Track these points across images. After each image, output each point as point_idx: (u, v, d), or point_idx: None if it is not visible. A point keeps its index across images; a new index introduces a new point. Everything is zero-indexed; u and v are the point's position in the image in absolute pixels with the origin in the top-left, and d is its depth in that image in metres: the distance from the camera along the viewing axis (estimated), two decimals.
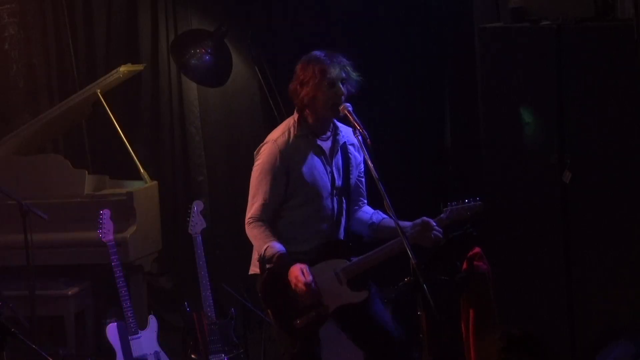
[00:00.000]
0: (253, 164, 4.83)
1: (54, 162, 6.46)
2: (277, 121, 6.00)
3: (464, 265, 5.06)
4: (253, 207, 4.77)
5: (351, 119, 4.62)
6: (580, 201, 5.21)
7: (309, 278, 4.59)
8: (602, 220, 5.17)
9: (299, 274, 4.60)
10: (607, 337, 5.02)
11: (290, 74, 4.85)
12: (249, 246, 5.00)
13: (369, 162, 4.52)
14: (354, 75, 4.72)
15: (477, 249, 5.06)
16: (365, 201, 4.93)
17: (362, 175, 4.89)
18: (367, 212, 4.88)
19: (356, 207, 4.90)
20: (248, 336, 6.09)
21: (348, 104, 4.67)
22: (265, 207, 4.73)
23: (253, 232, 4.75)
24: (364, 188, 4.91)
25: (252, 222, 4.76)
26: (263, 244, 4.70)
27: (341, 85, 4.68)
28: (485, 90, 5.64)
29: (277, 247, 4.67)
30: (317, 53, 4.77)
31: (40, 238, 6.01)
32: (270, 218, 4.75)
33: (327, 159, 4.78)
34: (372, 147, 4.58)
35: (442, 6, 6.33)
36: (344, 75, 4.69)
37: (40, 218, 5.90)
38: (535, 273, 5.41)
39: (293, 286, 4.61)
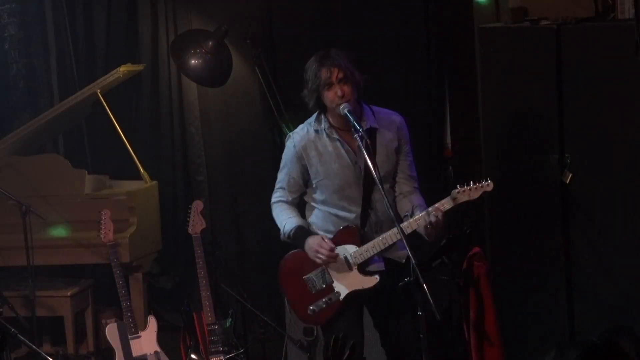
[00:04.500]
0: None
1: (54, 162, 6.46)
2: (277, 121, 6.01)
3: (464, 265, 5.06)
4: (275, 193, 5.04)
5: (351, 119, 4.63)
6: (580, 201, 5.21)
7: (329, 245, 4.76)
8: (602, 220, 5.17)
9: (319, 244, 4.77)
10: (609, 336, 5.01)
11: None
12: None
13: (369, 162, 4.53)
14: (356, 72, 4.73)
15: (477, 249, 5.06)
16: (414, 183, 4.94)
17: (405, 157, 4.91)
18: (412, 202, 4.90)
19: (407, 190, 4.89)
20: (248, 336, 6.09)
21: (346, 104, 4.67)
22: (283, 191, 4.99)
23: (275, 213, 5.02)
24: (407, 169, 4.92)
25: (273, 204, 5.02)
26: (282, 220, 4.94)
27: (341, 85, 4.69)
28: (485, 90, 5.64)
29: (294, 222, 4.89)
30: (315, 56, 4.81)
31: (40, 238, 6.01)
32: (290, 201, 4.99)
33: (348, 151, 4.80)
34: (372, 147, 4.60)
35: (442, 7, 6.33)
36: (340, 75, 4.70)
37: (40, 218, 5.90)
38: (535, 273, 5.41)
39: (312, 257, 4.78)
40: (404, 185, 4.89)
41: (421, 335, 4.40)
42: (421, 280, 4.26)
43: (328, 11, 6.57)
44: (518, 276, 5.46)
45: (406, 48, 6.45)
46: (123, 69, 6.42)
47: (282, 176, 5.01)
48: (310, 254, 4.79)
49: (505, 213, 5.51)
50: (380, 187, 4.53)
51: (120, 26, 7.05)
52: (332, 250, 4.75)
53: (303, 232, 4.86)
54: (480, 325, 5.02)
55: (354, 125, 4.61)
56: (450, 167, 6.34)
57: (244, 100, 6.87)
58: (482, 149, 5.71)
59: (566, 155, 5.21)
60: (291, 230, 4.87)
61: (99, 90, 6.37)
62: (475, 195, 4.72)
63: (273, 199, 5.04)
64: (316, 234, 4.86)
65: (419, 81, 6.45)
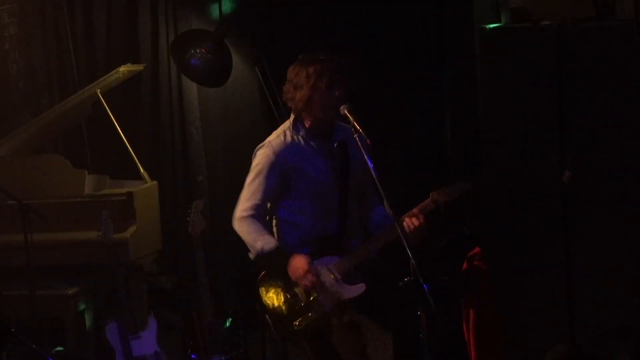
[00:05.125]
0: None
1: (54, 162, 6.45)
2: (277, 121, 6.00)
3: (464, 265, 5.06)
4: (245, 205, 4.82)
5: (351, 119, 4.61)
6: (580, 201, 5.22)
7: (313, 278, 4.63)
8: (602, 220, 5.17)
9: (305, 268, 4.63)
10: (607, 337, 5.02)
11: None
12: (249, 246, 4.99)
13: (369, 162, 4.52)
14: (351, 74, 4.71)
15: (477, 249, 5.06)
16: (375, 197, 4.89)
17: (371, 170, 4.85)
18: (378, 213, 4.85)
19: (370, 204, 4.86)
20: (248, 336, 6.09)
21: (346, 104, 4.66)
22: (256, 207, 4.80)
23: (245, 228, 4.80)
24: (371, 184, 4.86)
25: (243, 218, 4.80)
26: (258, 237, 4.75)
27: (339, 86, 4.67)
28: (485, 90, 5.64)
29: (273, 241, 4.73)
30: (311, 54, 4.77)
31: (40, 238, 6.00)
32: (261, 217, 4.81)
33: (326, 158, 4.78)
34: (372, 147, 4.58)
35: (442, 6, 6.33)
36: (340, 75, 4.68)
37: (40, 218, 5.89)
38: (535, 273, 5.41)
39: (295, 278, 4.63)
40: (371, 198, 4.85)
41: (421, 335, 4.39)
42: (421, 280, 4.26)
43: (328, 11, 6.57)
44: (518, 276, 5.46)
45: (406, 48, 6.45)
46: (123, 69, 6.42)
47: (255, 187, 4.81)
48: (295, 275, 4.68)
49: (506, 213, 5.51)
50: (380, 188, 4.48)
51: (120, 26, 7.05)
52: (317, 278, 4.66)
53: (284, 252, 4.72)
54: (480, 325, 5.02)
55: (354, 125, 4.59)
56: (451, 167, 6.34)
57: (244, 100, 6.87)
58: (482, 149, 5.71)
59: (566, 155, 5.22)
60: (271, 249, 4.72)
61: (99, 90, 6.37)
62: (455, 194, 4.68)
63: (241, 213, 4.81)
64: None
65: (419, 81, 6.45)
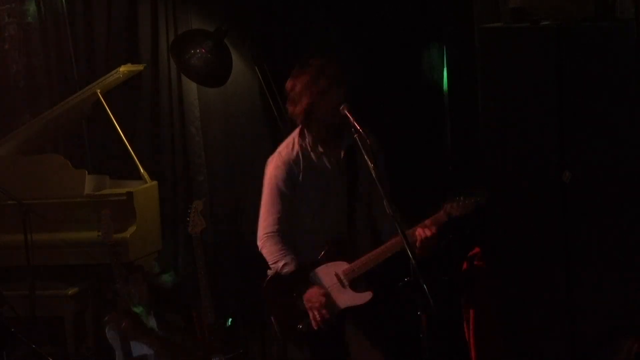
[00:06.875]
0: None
1: (54, 162, 6.46)
2: (278, 121, 6.02)
3: (464, 265, 5.06)
4: (266, 222, 4.80)
5: (351, 118, 4.61)
6: (580, 201, 5.21)
7: (327, 316, 4.63)
8: (602, 220, 5.17)
9: (321, 303, 4.62)
10: (607, 337, 5.02)
11: (290, 74, 4.86)
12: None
13: (368, 162, 4.51)
14: (345, 70, 4.71)
15: (477, 249, 5.07)
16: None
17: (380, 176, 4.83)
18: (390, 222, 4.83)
19: (381, 212, 4.84)
20: (248, 336, 6.09)
21: (345, 104, 4.65)
22: (280, 220, 4.77)
23: (268, 248, 4.78)
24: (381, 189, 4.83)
25: (267, 237, 4.78)
26: (280, 257, 4.74)
27: (336, 88, 4.67)
28: (485, 90, 5.64)
29: (293, 264, 4.72)
30: (301, 63, 4.77)
31: (40, 238, 6.01)
32: (285, 229, 4.78)
33: (334, 165, 4.78)
34: (372, 146, 4.58)
35: (441, 6, 6.33)
36: (334, 76, 4.68)
37: (40, 218, 5.90)
38: (535, 273, 5.41)
39: (308, 307, 4.65)
40: (380, 205, 4.84)
41: (421, 335, 4.39)
42: (421, 280, 4.26)
43: (327, 12, 6.56)
44: (518, 276, 5.46)
45: (405, 48, 6.45)
46: (123, 69, 6.43)
47: (272, 201, 4.77)
48: (309, 305, 4.68)
49: (506, 212, 5.50)
50: (380, 188, 4.47)
51: (120, 26, 7.05)
52: (328, 315, 4.65)
53: (302, 276, 4.73)
54: (481, 325, 5.02)
55: (353, 124, 4.59)
56: (451, 167, 6.34)
57: (244, 100, 6.87)
58: (481, 149, 5.71)
59: (566, 155, 5.22)
60: (290, 272, 4.72)
61: (99, 90, 6.38)
62: (470, 208, 4.67)
63: (265, 231, 4.79)
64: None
65: (419, 81, 6.45)
